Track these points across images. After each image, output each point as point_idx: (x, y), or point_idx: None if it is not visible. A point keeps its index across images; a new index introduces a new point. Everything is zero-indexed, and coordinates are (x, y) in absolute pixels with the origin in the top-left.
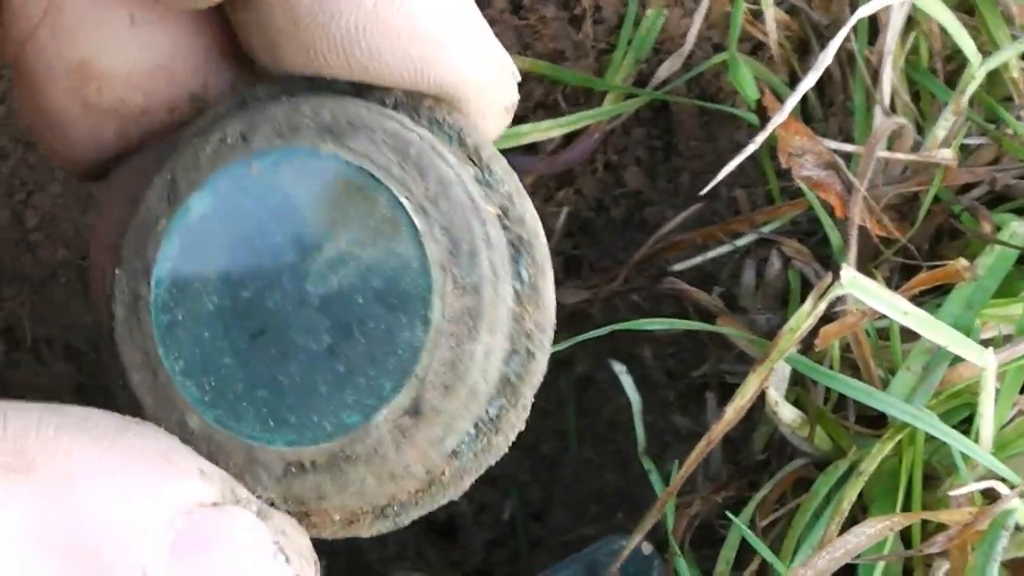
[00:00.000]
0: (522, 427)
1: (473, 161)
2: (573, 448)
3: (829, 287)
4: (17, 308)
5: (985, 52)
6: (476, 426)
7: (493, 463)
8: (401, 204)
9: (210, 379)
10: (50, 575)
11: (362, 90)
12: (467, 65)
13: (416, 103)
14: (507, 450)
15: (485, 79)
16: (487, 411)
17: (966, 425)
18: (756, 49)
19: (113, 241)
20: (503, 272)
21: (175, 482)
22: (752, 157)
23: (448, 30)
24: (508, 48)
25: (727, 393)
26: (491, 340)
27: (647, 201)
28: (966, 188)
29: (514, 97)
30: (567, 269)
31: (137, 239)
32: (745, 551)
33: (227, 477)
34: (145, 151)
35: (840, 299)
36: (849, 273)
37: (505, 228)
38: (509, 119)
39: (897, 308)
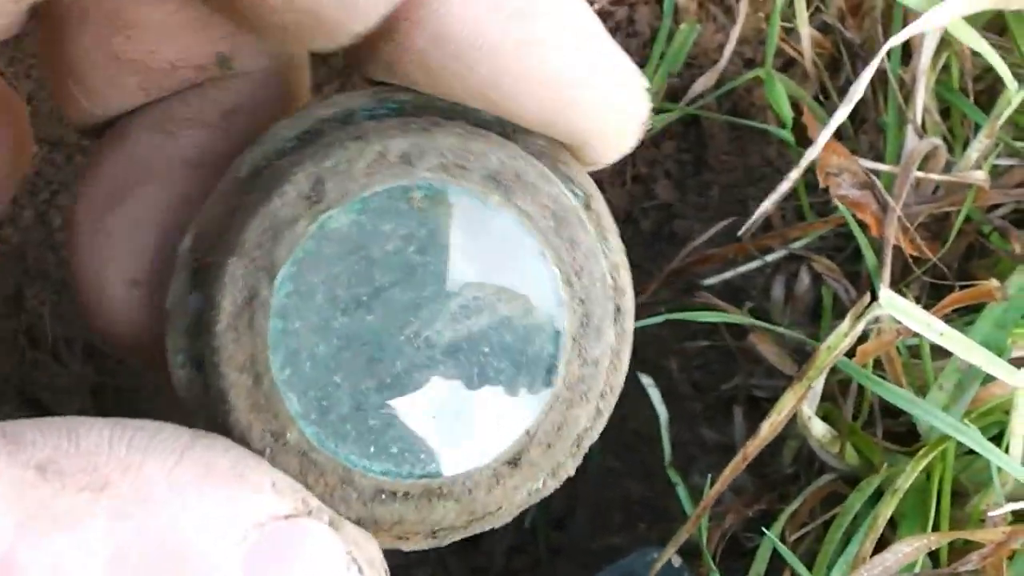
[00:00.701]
0: (572, 472)
1: (595, 228)
2: (597, 457)
3: (868, 307)
4: (39, 307)
5: (1016, 73)
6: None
7: (538, 501)
8: (553, 273)
9: (317, 395)
10: None
11: (505, 125)
12: (606, 107)
13: (556, 153)
14: (552, 491)
15: (624, 114)
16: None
17: (996, 444)
18: (787, 65)
19: (102, 201)
20: (615, 347)
21: (247, 496)
22: (782, 173)
23: (586, 76)
24: None
25: (754, 406)
26: (593, 407)
27: (677, 214)
28: (995, 207)
29: (647, 110)
30: None
31: (265, 232)
32: (774, 565)
33: (299, 488)
34: (156, 111)
35: (874, 317)
36: (887, 294)
37: (611, 297)
38: (642, 132)
39: (933, 328)
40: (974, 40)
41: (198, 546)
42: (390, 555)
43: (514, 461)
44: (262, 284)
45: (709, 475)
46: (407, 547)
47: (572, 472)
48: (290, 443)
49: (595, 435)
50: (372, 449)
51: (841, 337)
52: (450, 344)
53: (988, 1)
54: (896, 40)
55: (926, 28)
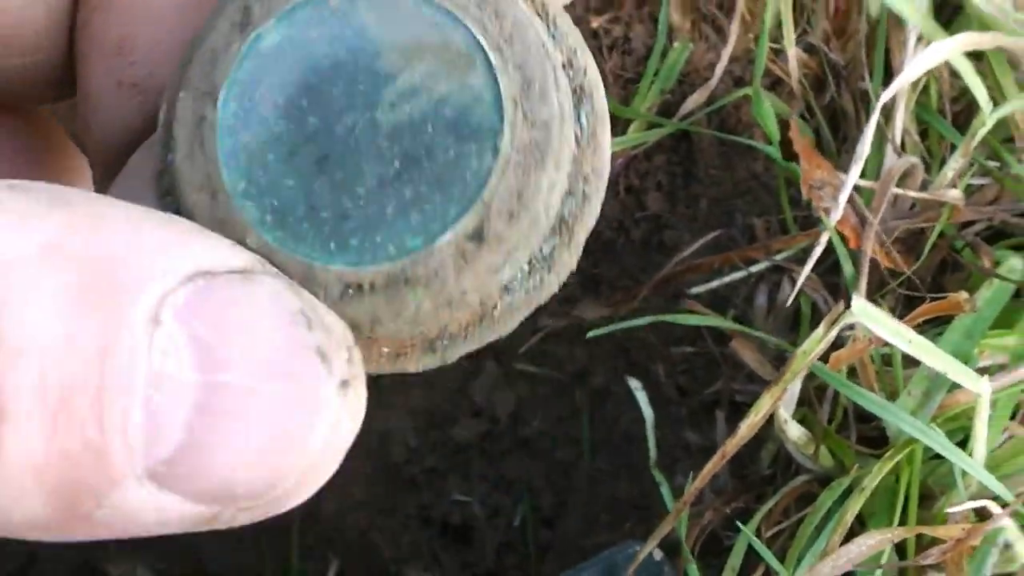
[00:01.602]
0: (574, 267)
1: (540, 15)
2: (587, 457)
3: (841, 315)
4: None
5: (993, 97)
6: (530, 262)
7: (544, 301)
8: (478, 41)
9: (272, 201)
10: (56, 289)
11: None
12: None
13: None
14: (557, 290)
15: None
16: (542, 248)
17: (961, 448)
18: (775, 84)
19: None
20: (569, 115)
21: (206, 245)
22: (768, 188)
23: None
24: None
25: (736, 411)
26: (555, 175)
27: (666, 225)
28: (967, 224)
29: None
30: (585, 287)
31: (205, 63)
32: (750, 560)
33: (262, 259)
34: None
35: (849, 325)
36: (860, 302)
37: (569, 76)
38: None
39: (903, 336)
40: (961, 64)
41: (147, 271)
42: (385, 548)
43: (477, 235)
44: (207, 108)
45: (692, 468)
46: (412, 366)
47: (571, 266)
48: (252, 249)
49: (587, 221)
50: (332, 245)
51: (816, 342)
52: (392, 129)
53: (980, 41)
54: (885, 95)
55: (926, 64)
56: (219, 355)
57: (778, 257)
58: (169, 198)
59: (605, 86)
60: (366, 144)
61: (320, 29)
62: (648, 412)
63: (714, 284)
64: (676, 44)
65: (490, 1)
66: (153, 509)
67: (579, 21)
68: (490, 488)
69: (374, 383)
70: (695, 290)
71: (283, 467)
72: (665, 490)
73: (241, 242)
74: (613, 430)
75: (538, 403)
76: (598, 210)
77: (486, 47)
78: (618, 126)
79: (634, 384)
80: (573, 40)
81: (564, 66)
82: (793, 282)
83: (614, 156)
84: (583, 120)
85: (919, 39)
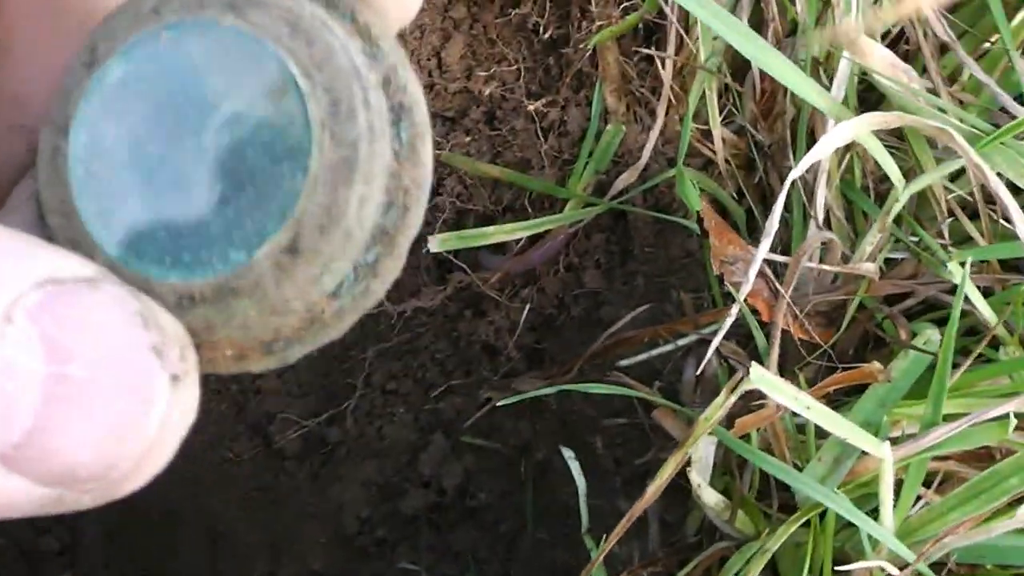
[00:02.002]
0: (398, 275)
1: (362, 36)
2: (530, 526)
3: (740, 381)
4: None
5: (912, 173)
6: (355, 270)
7: (371, 307)
8: (288, 68)
9: (117, 222)
10: None
11: None
12: None
13: None
14: (383, 296)
15: None
16: (365, 257)
17: (874, 515)
18: (707, 164)
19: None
20: (381, 132)
21: (57, 257)
22: (701, 264)
23: None
24: (481, 156)
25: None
26: (366, 189)
27: (604, 301)
28: (895, 298)
29: None
30: (530, 361)
31: (60, 100)
32: None
33: (105, 271)
34: None
35: (761, 395)
36: (758, 371)
37: (388, 96)
38: (415, 9)
39: (801, 403)
40: (870, 142)
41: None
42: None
43: (291, 248)
44: (60, 140)
45: (627, 541)
46: (255, 367)
47: (396, 273)
48: (100, 264)
49: (408, 231)
50: (167, 260)
51: (717, 408)
52: (218, 154)
53: (888, 120)
54: (804, 165)
55: (835, 143)
56: (64, 349)
57: (705, 331)
58: (42, 220)
59: (542, 166)
60: (196, 168)
61: (154, 64)
62: (581, 482)
63: (643, 357)
64: (610, 126)
65: (302, 30)
66: (2, 491)
67: (517, 105)
68: (437, 558)
69: (330, 455)
70: (626, 362)
71: (120, 452)
72: (594, 554)
73: (91, 258)
74: (554, 500)
75: (484, 475)
76: (420, 219)
77: (296, 74)
78: (556, 205)
79: (568, 454)
80: (394, 59)
81: (383, 84)
82: (720, 355)
83: (555, 234)
84: (402, 135)
85: (838, 119)
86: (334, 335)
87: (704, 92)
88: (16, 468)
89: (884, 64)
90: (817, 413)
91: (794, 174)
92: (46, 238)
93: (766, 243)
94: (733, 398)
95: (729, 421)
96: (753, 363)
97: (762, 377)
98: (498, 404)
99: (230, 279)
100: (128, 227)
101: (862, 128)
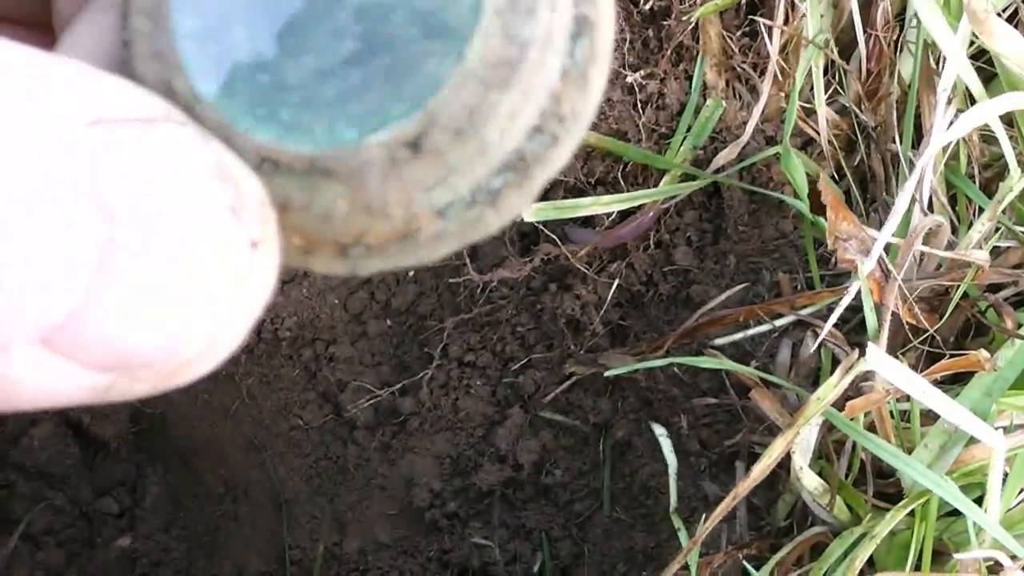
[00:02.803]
0: (520, 214)
1: None
2: (606, 508)
3: (856, 362)
4: None
5: (1021, 162)
6: (473, 192)
7: (478, 239)
8: None
9: (213, 47)
10: None
11: None
12: None
13: None
14: (496, 232)
15: None
16: (492, 181)
17: (977, 504)
18: (806, 144)
19: None
20: (558, 44)
21: (111, 87)
22: (795, 247)
23: None
24: None
25: (755, 463)
26: (521, 103)
27: (694, 280)
28: (992, 287)
29: None
30: (613, 337)
31: None
32: None
33: (171, 107)
34: None
35: (868, 378)
36: (875, 350)
37: (575, 3)
38: None
39: (916, 386)
40: (997, 128)
41: (41, 112)
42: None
43: (415, 144)
44: None
45: (714, 522)
46: (319, 267)
47: (518, 211)
48: (177, 93)
49: (551, 165)
50: (261, 111)
51: (830, 388)
52: (359, 8)
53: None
54: (934, 144)
55: (969, 125)
56: (118, 208)
57: (803, 312)
58: (124, 27)
59: (639, 140)
60: (327, 16)
61: None
62: (672, 460)
63: (737, 337)
64: (709, 101)
65: None
66: (44, 377)
67: (615, 76)
68: (510, 535)
69: (402, 427)
70: (718, 342)
71: (184, 333)
72: (683, 535)
73: (167, 83)
74: (632, 481)
75: (561, 452)
76: (566, 157)
77: None
78: (650, 178)
79: (659, 431)
80: None
81: None
82: (816, 338)
83: (647, 209)
84: (576, 54)
85: (949, 102)
86: (423, 259)
87: (810, 69)
88: (61, 351)
89: (1009, 45)
90: (932, 399)
91: (922, 153)
92: (119, 63)
93: (891, 223)
94: (848, 379)
95: (837, 404)
96: (870, 344)
97: (878, 357)
98: (605, 374)
99: (329, 157)
100: (226, 58)
101: (994, 111)
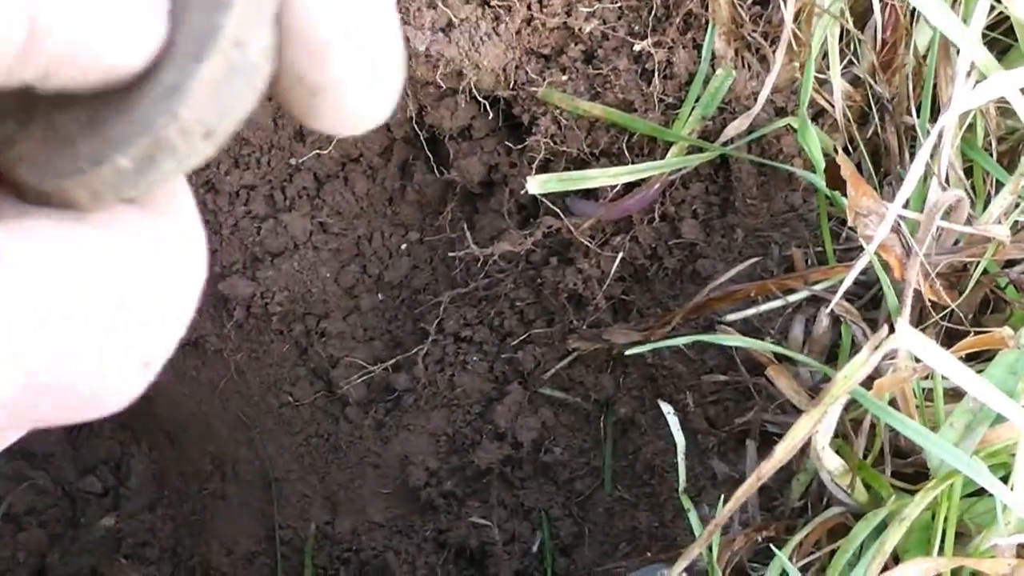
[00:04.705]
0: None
1: None
2: (607, 485)
3: (884, 340)
4: None
5: None
6: None
7: None
8: None
9: None
10: None
11: None
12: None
13: None
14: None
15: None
16: None
17: (1003, 483)
18: (817, 115)
19: None
20: None
21: None
22: (806, 220)
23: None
24: (579, 96)
25: (767, 443)
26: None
27: (701, 254)
28: (1010, 263)
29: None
30: (616, 312)
31: None
32: None
33: None
34: None
35: (891, 356)
36: (905, 328)
37: None
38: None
39: (948, 366)
40: (1016, 98)
41: None
42: (399, 571)
43: None
44: None
45: (721, 496)
46: None
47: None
48: None
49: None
50: None
51: (858, 366)
52: None
53: None
54: (950, 116)
55: (986, 96)
56: None
57: (817, 287)
58: None
59: (645, 110)
60: None
61: None
62: (680, 438)
63: (748, 313)
64: (719, 71)
65: None
66: None
67: (622, 44)
68: (509, 514)
69: (396, 404)
70: (728, 318)
71: None
72: (692, 516)
73: None
74: (635, 460)
75: (562, 429)
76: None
77: None
78: (657, 150)
79: (666, 408)
80: None
81: None
82: (831, 314)
83: (652, 182)
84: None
85: (969, 72)
86: None
87: (826, 38)
88: None
89: None
90: (963, 378)
91: (940, 124)
92: None
93: (903, 195)
94: (877, 356)
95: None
96: (900, 321)
97: (909, 336)
98: (626, 354)
99: None
100: None
101: (1014, 82)
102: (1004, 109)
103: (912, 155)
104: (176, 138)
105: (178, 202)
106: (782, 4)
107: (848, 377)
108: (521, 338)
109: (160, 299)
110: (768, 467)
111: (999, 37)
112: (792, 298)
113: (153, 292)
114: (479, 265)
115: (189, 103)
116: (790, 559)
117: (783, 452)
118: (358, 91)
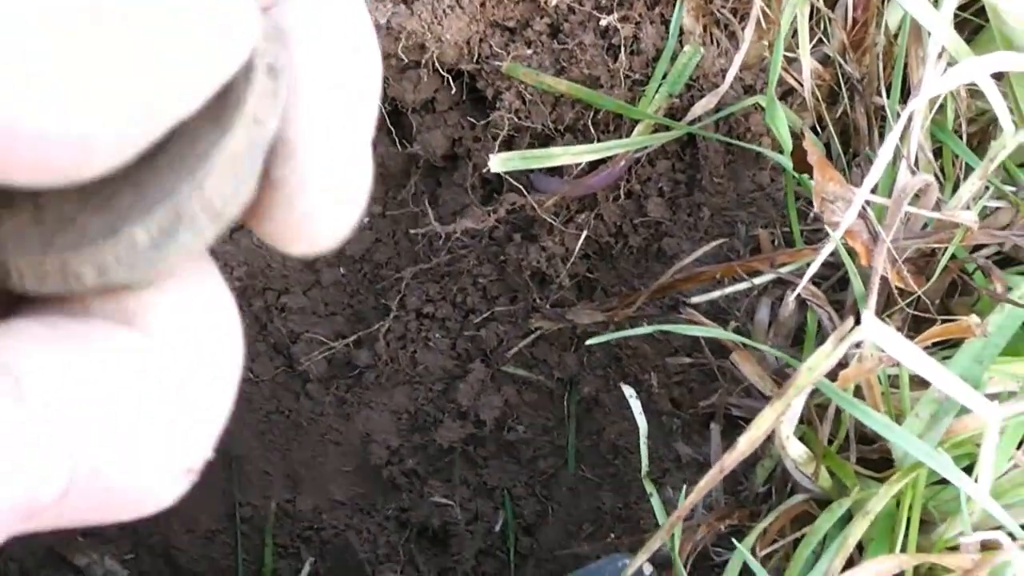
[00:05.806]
0: None
1: None
2: (571, 466)
3: (850, 331)
4: None
5: (1012, 120)
6: None
7: None
8: None
9: None
10: None
11: None
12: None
13: None
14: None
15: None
16: None
17: (967, 474)
18: (786, 94)
19: None
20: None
21: None
22: (774, 200)
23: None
24: (544, 71)
25: (731, 426)
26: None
27: (666, 232)
28: (978, 247)
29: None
30: (580, 290)
31: None
32: None
33: None
34: None
35: (854, 344)
36: (871, 319)
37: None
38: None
39: (913, 356)
40: (987, 86)
41: None
42: (360, 550)
43: None
44: None
45: (684, 486)
46: None
47: None
48: None
49: None
50: None
51: (823, 357)
52: None
53: (1015, 62)
54: (920, 100)
55: (956, 80)
56: None
57: (783, 270)
58: None
59: (612, 86)
60: None
61: None
62: (642, 421)
63: (714, 295)
64: (687, 47)
65: None
66: None
67: (588, 18)
68: (471, 493)
69: (357, 380)
70: (694, 300)
71: None
72: (656, 501)
73: None
74: (600, 439)
75: (525, 408)
76: None
77: None
78: (623, 126)
79: (629, 392)
80: None
81: None
82: (798, 298)
83: (618, 159)
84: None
85: (940, 55)
86: None
87: (796, 16)
88: None
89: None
90: (928, 369)
91: (908, 109)
92: None
93: (871, 180)
94: (843, 348)
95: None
96: (865, 313)
97: (875, 327)
98: (588, 343)
99: None
100: None
101: (986, 68)
102: (974, 91)
103: (882, 136)
104: (197, 210)
105: (213, 288)
106: None
107: (813, 368)
108: (484, 315)
109: (202, 407)
110: (732, 459)
111: (970, 18)
112: (758, 280)
113: (197, 399)
114: (442, 241)
115: (215, 173)
116: (754, 547)
117: (746, 444)
118: (323, 208)
